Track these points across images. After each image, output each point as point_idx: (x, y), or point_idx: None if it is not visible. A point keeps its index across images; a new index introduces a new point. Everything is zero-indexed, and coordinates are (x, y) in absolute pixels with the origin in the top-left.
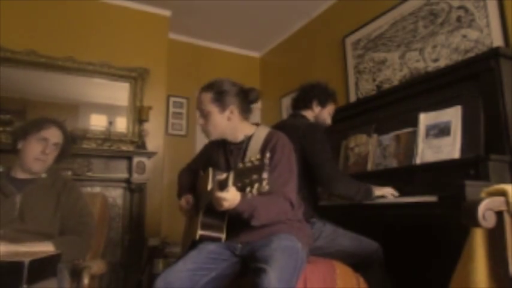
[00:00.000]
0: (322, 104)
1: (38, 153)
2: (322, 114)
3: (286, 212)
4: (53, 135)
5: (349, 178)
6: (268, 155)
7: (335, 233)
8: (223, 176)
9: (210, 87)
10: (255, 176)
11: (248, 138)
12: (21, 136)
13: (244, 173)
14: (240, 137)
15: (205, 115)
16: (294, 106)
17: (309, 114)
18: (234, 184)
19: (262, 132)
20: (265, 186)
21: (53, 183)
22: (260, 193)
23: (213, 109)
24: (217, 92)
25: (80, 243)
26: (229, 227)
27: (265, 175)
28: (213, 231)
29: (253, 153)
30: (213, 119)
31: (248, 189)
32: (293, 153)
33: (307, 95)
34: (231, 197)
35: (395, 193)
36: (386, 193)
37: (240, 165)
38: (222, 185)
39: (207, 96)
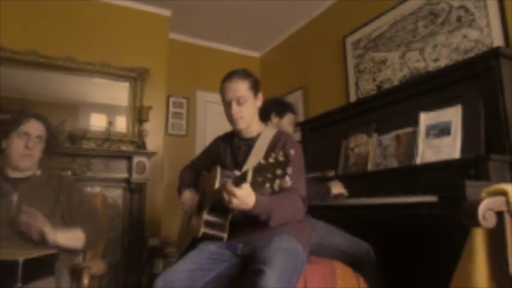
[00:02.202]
0: (280, 115)
1: (22, 148)
2: (281, 124)
3: (300, 210)
4: (34, 128)
5: (310, 179)
6: (292, 152)
7: (328, 231)
8: (240, 172)
9: (243, 75)
10: (279, 171)
11: (257, 136)
12: (3, 135)
13: (267, 168)
14: (253, 132)
15: (242, 102)
16: None
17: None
18: (254, 179)
19: (270, 132)
20: (288, 181)
21: (48, 180)
22: (280, 189)
23: (250, 95)
24: (252, 79)
25: (100, 230)
26: (231, 226)
27: (289, 170)
28: (216, 230)
29: (259, 151)
30: (249, 105)
31: (268, 184)
32: (301, 153)
33: (265, 109)
34: (242, 194)
35: (345, 193)
36: (341, 192)
37: (262, 161)
38: (239, 181)
39: (245, 83)
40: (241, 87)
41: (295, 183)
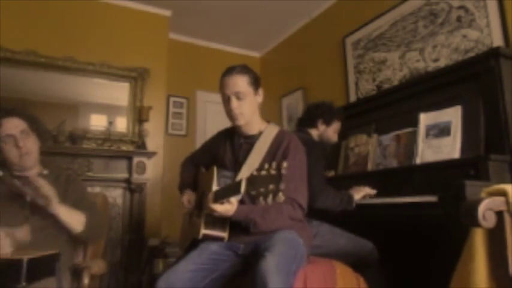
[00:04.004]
0: (327, 123)
1: (15, 151)
2: (327, 132)
3: (294, 218)
4: (13, 125)
5: (332, 190)
6: (285, 164)
7: (332, 233)
8: (235, 180)
9: (242, 70)
10: (271, 186)
11: (259, 134)
12: None
13: (260, 181)
14: (254, 130)
15: (241, 97)
16: (300, 124)
17: (314, 133)
18: (247, 192)
19: (272, 131)
20: (281, 197)
21: (56, 178)
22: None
23: (250, 91)
24: (252, 75)
25: (102, 222)
26: (231, 226)
27: (282, 186)
28: (216, 230)
29: (260, 150)
30: (250, 100)
31: (261, 198)
32: (305, 155)
33: (313, 114)
34: (222, 210)
35: (372, 192)
36: (366, 193)
37: (255, 172)
38: (230, 192)
39: (244, 78)
40: (240, 83)
41: (292, 192)
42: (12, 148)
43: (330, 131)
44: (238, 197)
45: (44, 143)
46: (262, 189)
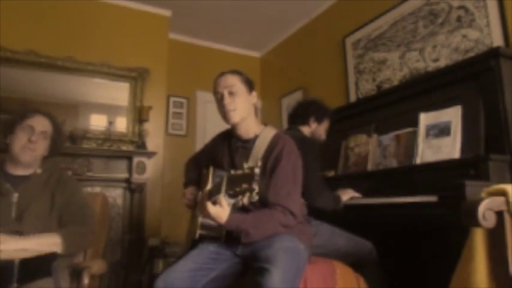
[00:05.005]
0: (319, 121)
1: (25, 141)
2: (318, 130)
3: (286, 225)
4: (39, 122)
5: (328, 190)
6: (259, 163)
7: (331, 233)
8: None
9: (235, 71)
10: (245, 185)
11: (255, 138)
12: (8, 130)
13: (236, 180)
14: (250, 133)
15: (234, 93)
16: (291, 121)
17: (306, 130)
18: (226, 191)
19: (269, 133)
20: (255, 196)
21: (48, 179)
22: (254, 205)
23: (242, 88)
24: (245, 77)
25: (84, 233)
26: None
27: (255, 185)
28: (212, 231)
29: (256, 154)
30: (243, 97)
31: (240, 197)
32: (299, 159)
33: (305, 111)
34: (213, 211)
35: (357, 194)
36: (351, 196)
37: (232, 172)
38: (214, 192)
39: (236, 77)
40: (232, 80)
41: (284, 198)
42: (24, 138)
43: (321, 129)
44: (230, 202)
45: (50, 153)
46: (237, 189)
